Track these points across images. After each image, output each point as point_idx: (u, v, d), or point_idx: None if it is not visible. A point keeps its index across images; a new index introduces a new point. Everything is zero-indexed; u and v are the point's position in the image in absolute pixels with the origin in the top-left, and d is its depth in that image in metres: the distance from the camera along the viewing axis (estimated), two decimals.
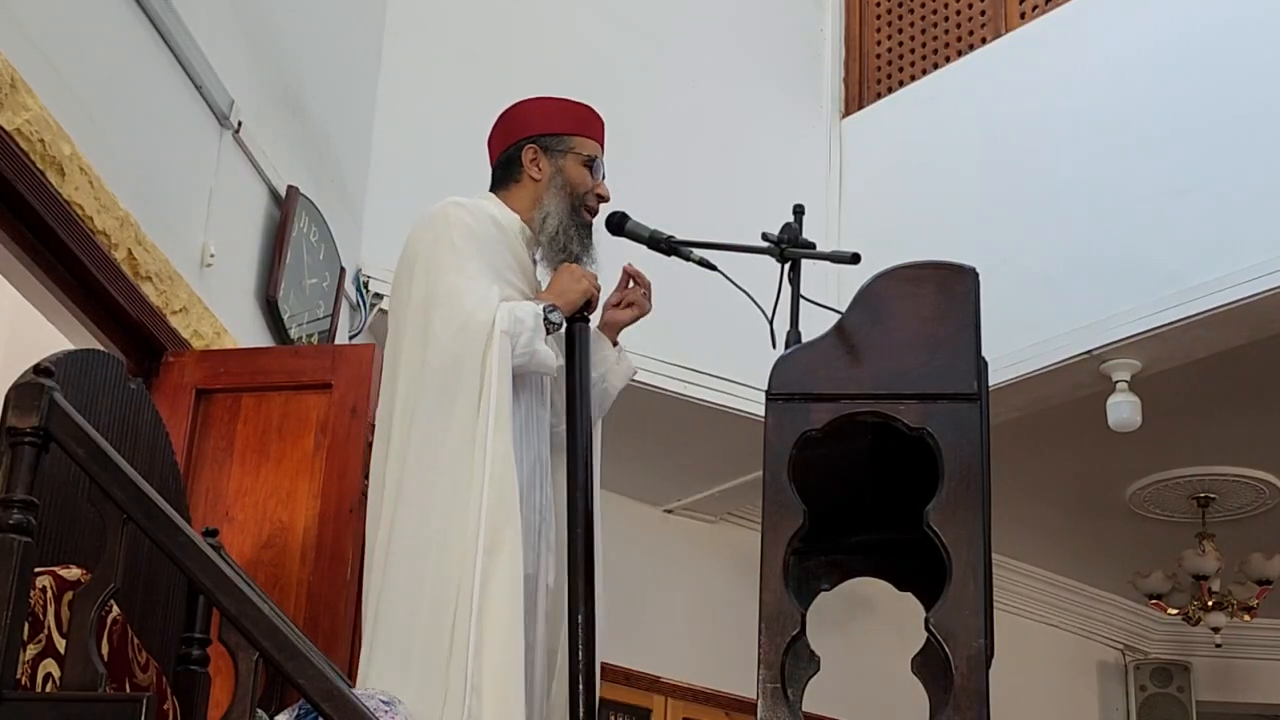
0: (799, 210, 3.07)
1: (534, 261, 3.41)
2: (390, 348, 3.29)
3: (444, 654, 2.94)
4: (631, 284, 3.49)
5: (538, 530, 3.22)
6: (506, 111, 3.53)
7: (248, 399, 3.97)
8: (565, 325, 3.32)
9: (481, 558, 2.98)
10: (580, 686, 3.04)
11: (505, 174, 3.47)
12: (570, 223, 3.39)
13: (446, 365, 3.12)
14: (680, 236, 3.33)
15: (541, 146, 3.43)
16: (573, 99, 3.53)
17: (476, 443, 3.06)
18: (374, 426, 3.71)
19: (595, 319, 3.43)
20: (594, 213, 3.45)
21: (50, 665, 2.50)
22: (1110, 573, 8.27)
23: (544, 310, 3.21)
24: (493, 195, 3.46)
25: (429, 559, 3.02)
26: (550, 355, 3.22)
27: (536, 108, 3.51)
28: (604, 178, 3.49)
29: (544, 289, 3.36)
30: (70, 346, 3.48)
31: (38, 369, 2.45)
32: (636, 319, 3.50)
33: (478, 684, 2.91)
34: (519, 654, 2.95)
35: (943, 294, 2.59)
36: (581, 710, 3.03)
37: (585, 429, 3.25)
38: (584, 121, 3.49)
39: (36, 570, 2.46)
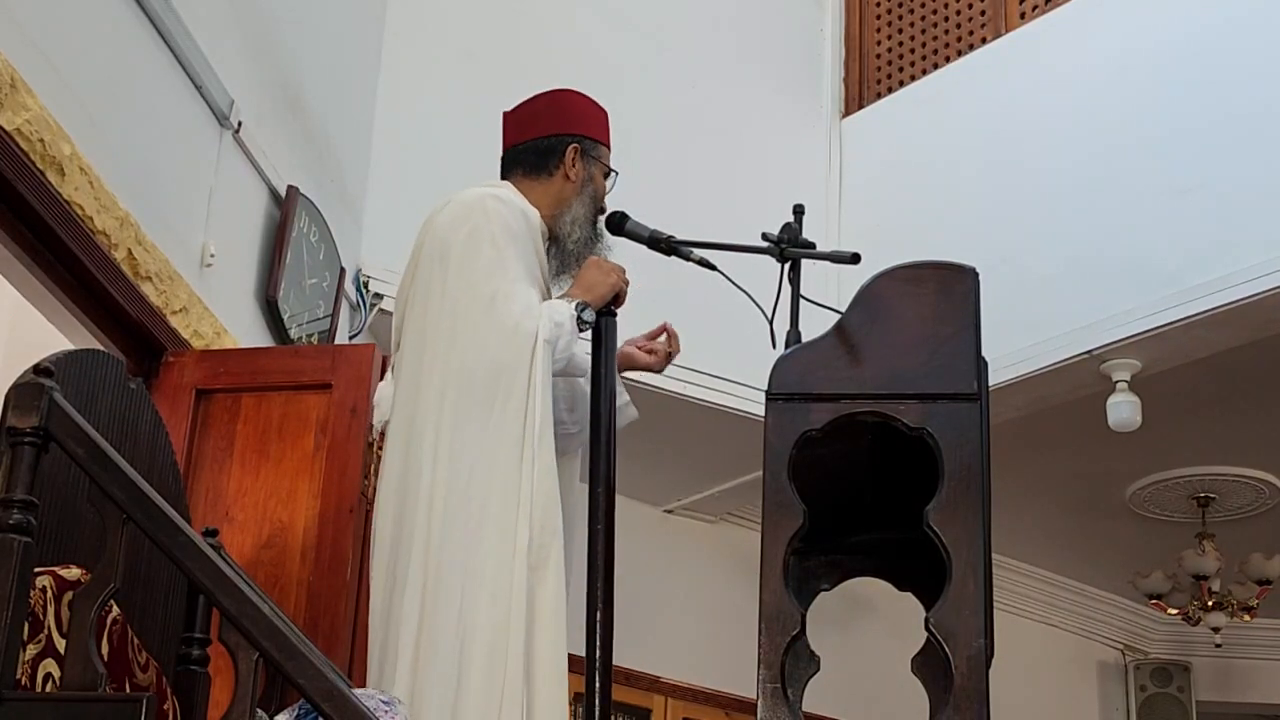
0: (799, 210, 3.07)
1: (561, 261, 3.37)
2: (415, 339, 3.16)
3: (500, 673, 2.88)
4: (665, 338, 3.44)
5: None
6: (552, 97, 3.45)
7: (248, 399, 3.97)
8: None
9: (528, 575, 2.93)
10: (598, 686, 3.01)
11: (539, 162, 3.37)
12: (590, 234, 3.37)
13: (494, 373, 3.03)
14: (680, 236, 3.33)
15: (583, 149, 3.39)
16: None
17: (524, 456, 2.99)
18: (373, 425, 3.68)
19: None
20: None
21: (50, 665, 2.50)
22: (1110, 573, 8.27)
23: (577, 309, 3.15)
24: (508, 183, 3.37)
25: (478, 575, 2.95)
26: (585, 359, 3.19)
27: (585, 106, 3.45)
28: None
29: (572, 284, 3.30)
30: (70, 346, 3.48)
31: (38, 369, 2.45)
32: (648, 369, 3.46)
33: (530, 706, 2.89)
34: (564, 672, 2.93)
35: (943, 294, 2.59)
36: (598, 710, 2.99)
37: (609, 424, 3.18)
38: (609, 133, 3.48)
39: (36, 570, 2.46)
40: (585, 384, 3.29)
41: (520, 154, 3.39)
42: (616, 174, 3.45)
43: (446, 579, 2.95)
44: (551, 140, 3.37)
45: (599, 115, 3.47)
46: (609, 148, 3.46)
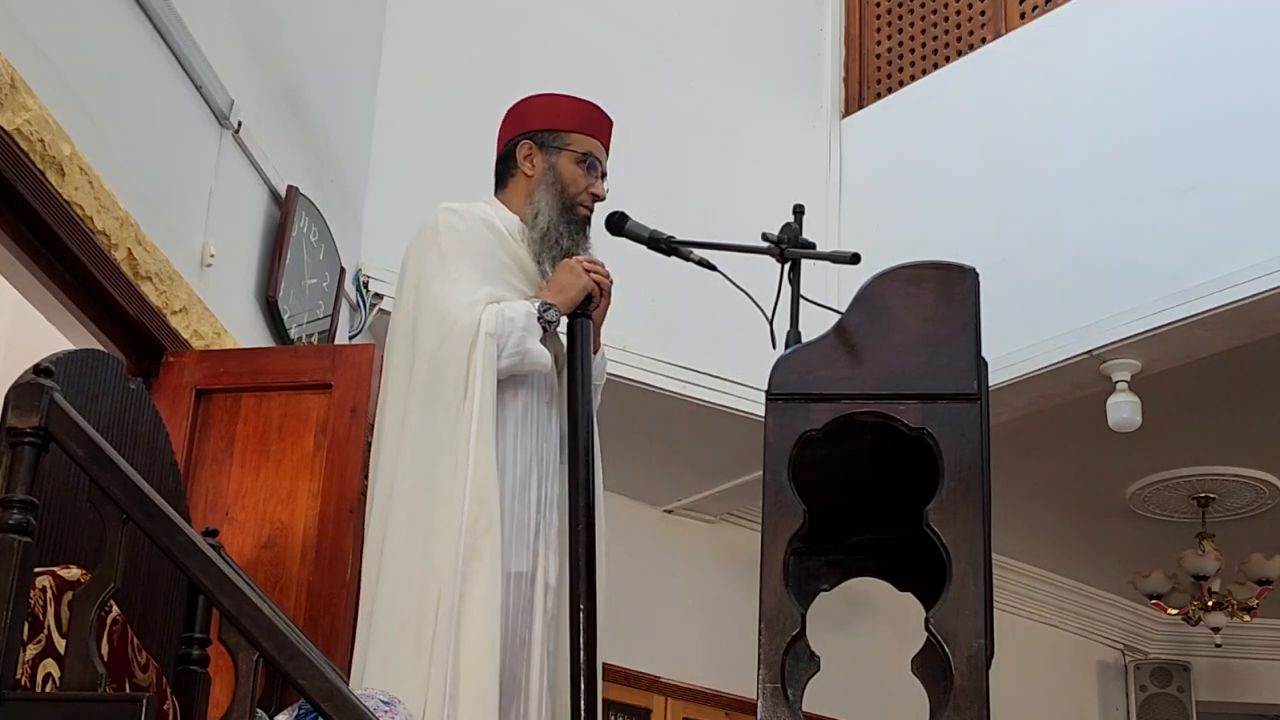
0: (799, 210, 3.07)
1: (538, 259, 3.39)
2: (385, 357, 3.33)
3: (425, 661, 2.98)
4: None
5: (534, 528, 3.21)
6: (510, 109, 3.52)
7: (248, 399, 3.97)
8: (568, 321, 3.32)
9: (461, 565, 3.01)
10: (582, 685, 3.05)
11: (503, 170, 3.47)
12: (560, 219, 3.38)
13: (432, 372, 3.15)
14: (680, 236, 3.33)
15: (537, 143, 3.43)
16: (579, 97, 3.51)
17: (459, 449, 3.08)
18: (373, 428, 3.73)
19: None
20: (589, 210, 3.44)
21: (50, 665, 2.50)
22: (1110, 573, 8.27)
23: (538, 309, 3.22)
24: (493, 198, 3.46)
25: (416, 567, 3.06)
26: (544, 353, 3.22)
27: (537, 104, 3.50)
28: (604, 177, 3.46)
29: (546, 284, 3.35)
30: (70, 346, 3.48)
31: (38, 369, 2.45)
32: (602, 307, 3.43)
33: (454, 693, 2.94)
34: (494, 664, 2.98)
35: (943, 294, 2.59)
36: (583, 709, 3.02)
37: (586, 426, 3.24)
38: (585, 119, 3.47)
39: (36, 570, 2.46)
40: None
41: (495, 172, 3.50)
42: (590, 154, 3.41)
43: (392, 572, 3.10)
44: (507, 148, 3.47)
45: (561, 106, 3.48)
46: (584, 133, 3.44)
